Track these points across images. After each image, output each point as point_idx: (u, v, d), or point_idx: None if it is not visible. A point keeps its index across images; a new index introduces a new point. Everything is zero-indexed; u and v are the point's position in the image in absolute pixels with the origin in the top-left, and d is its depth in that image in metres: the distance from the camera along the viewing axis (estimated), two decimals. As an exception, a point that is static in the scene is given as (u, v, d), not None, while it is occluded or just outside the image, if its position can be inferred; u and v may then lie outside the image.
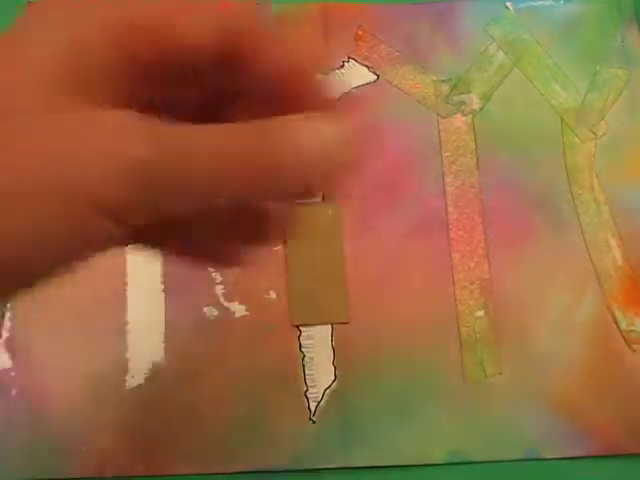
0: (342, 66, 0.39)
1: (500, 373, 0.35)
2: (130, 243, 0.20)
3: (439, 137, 0.39)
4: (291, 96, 0.18)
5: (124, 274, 0.36)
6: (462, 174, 0.38)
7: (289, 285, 0.36)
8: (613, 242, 0.37)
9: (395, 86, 0.39)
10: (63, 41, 0.16)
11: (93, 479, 0.33)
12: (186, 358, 0.35)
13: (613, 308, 0.36)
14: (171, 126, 0.16)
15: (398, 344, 0.35)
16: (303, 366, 0.35)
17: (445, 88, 0.39)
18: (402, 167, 0.38)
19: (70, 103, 0.16)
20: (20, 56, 0.16)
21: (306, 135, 0.17)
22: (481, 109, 0.39)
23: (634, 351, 0.36)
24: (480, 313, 0.36)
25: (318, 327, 0.35)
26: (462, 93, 0.39)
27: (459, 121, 0.39)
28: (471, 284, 0.36)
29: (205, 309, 0.36)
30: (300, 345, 0.35)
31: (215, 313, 0.35)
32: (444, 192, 0.38)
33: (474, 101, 0.39)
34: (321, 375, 0.35)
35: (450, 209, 0.37)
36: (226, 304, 0.36)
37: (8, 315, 0.35)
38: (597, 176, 0.38)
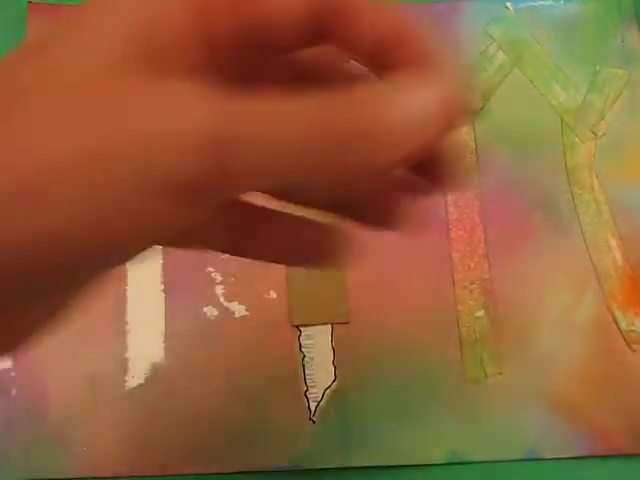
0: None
1: (500, 373, 0.35)
2: (196, 239, 0.19)
3: (439, 137, 0.38)
4: (393, 55, 0.17)
5: (124, 274, 0.36)
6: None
7: (289, 285, 0.36)
8: (613, 242, 0.37)
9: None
10: (139, 5, 0.15)
11: (93, 479, 0.33)
12: (186, 358, 0.35)
13: (613, 308, 0.36)
14: (248, 97, 0.15)
15: (398, 344, 0.35)
16: (303, 366, 0.35)
17: (445, 88, 0.39)
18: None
19: (141, 77, 0.15)
20: (93, 25, 0.15)
21: (408, 101, 0.15)
22: (481, 109, 0.39)
23: (634, 351, 0.36)
24: (480, 313, 0.36)
25: (318, 327, 0.35)
26: (462, 93, 0.39)
27: (459, 121, 0.39)
28: (471, 284, 0.36)
29: (205, 309, 0.36)
30: (300, 345, 0.35)
31: (215, 313, 0.35)
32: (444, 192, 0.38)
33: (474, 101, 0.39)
34: (321, 375, 0.35)
35: (450, 209, 0.37)
36: (226, 304, 0.36)
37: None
38: (597, 176, 0.38)
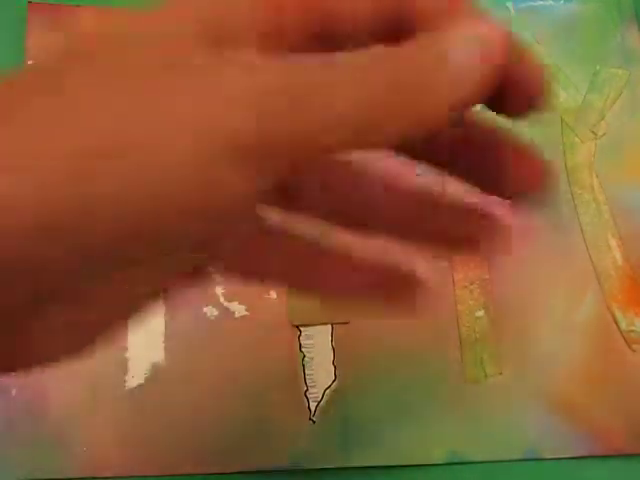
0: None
1: (500, 373, 0.35)
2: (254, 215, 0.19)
3: (439, 137, 0.38)
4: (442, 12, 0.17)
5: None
6: (462, 174, 0.38)
7: (289, 285, 0.36)
8: (613, 242, 0.37)
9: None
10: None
11: (93, 479, 0.33)
12: (186, 358, 0.35)
13: (613, 308, 0.36)
14: (303, 55, 0.15)
15: (398, 344, 0.35)
16: (303, 366, 0.35)
17: (445, 88, 0.39)
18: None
19: (208, 52, 0.15)
20: (164, 16, 0.16)
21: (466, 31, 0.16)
22: (481, 109, 0.39)
23: (634, 351, 0.36)
24: (480, 313, 0.36)
25: (318, 327, 0.35)
26: (462, 93, 0.39)
27: (459, 121, 0.39)
28: (471, 284, 0.36)
29: (205, 309, 0.36)
30: (300, 345, 0.35)
31: (215, 313, 0.35)
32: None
33: (474, 101, 0.39)
34: (321, 375, 0.35)
35: (450, 209, 0.37)
36: (226, 304, 0.36)
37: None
38: (597, 176, 0.38)
